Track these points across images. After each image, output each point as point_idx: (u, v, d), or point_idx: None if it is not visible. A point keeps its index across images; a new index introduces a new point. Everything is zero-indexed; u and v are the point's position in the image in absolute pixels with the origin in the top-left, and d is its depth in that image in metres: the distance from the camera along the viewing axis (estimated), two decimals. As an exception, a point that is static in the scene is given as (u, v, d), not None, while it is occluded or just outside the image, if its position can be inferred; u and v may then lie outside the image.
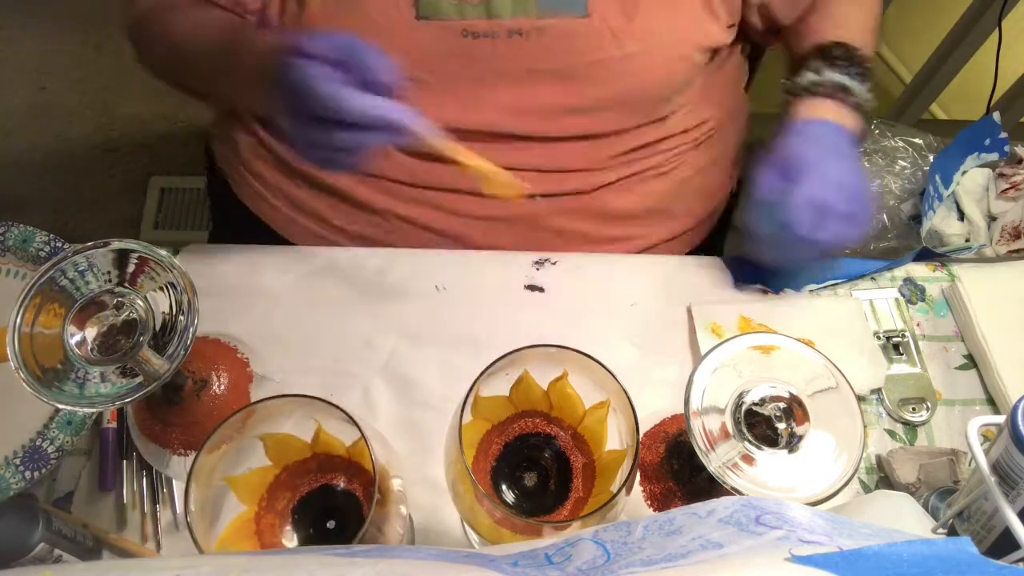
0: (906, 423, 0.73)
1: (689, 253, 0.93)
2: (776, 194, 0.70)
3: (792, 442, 0.57)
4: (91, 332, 0.51)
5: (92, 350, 0.51)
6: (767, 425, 0.57)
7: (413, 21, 0.71)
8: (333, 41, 0.60)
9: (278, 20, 0.74)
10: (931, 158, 1.32)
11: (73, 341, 0.50)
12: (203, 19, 0.76)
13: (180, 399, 0.60)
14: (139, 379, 0.51)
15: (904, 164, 1.34)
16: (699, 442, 0.56)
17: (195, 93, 0.84)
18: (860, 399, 0.71)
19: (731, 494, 0.54)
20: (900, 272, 0.82)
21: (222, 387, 0.62)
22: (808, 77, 0.79)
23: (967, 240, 1.22)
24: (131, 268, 0.52)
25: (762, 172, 0.72)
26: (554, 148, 0.79)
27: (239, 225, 0.92)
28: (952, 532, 0.55)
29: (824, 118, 0.77)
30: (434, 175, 0.80)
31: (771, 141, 0.76)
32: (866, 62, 0.81)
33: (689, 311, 0.77)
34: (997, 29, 1.36)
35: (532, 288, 0.79)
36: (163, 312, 0.52)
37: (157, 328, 0.51)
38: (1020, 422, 0.46)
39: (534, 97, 0.76)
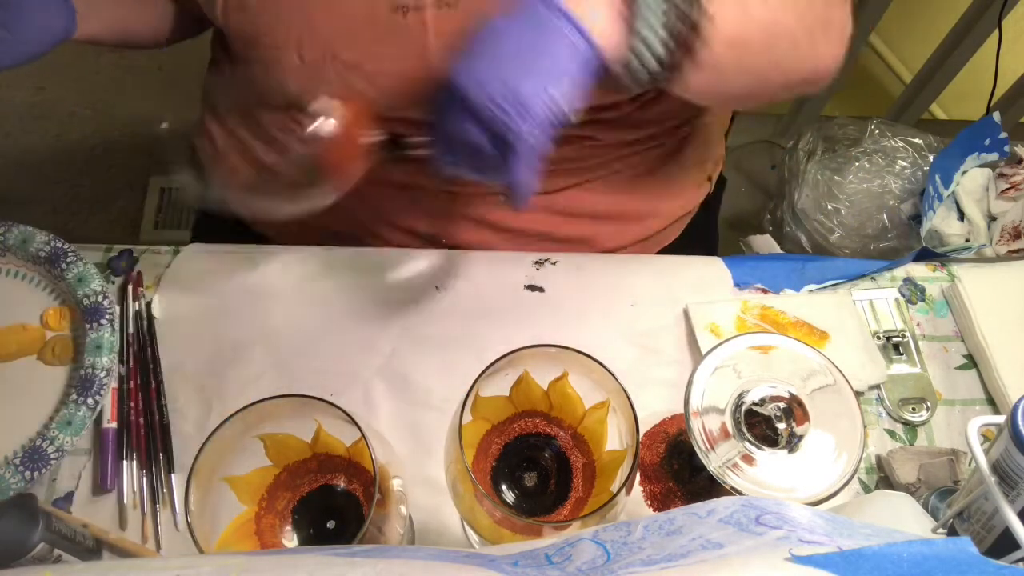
0: (906, 423, 0.73)
1: (660, 252, 0.92)
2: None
3: (792, 442, 0.57)
4: None
5: None
6: (767, 425, 0.57)
7: None
8: None
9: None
10: (931, 158, 1.32)
11: None
12: None
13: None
14: None
15: (904, 164, 1.34)
16: (699, 442, 0.56)
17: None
18: (859, 395, 0.71)
19: (731, 494, 0.54)
20: (900, 272, 0.82)
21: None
22: None
23: (967, 240, 1.22)
24: None
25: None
26: None
27: (222, 225, 0.92)
28: (952, 532, 0.55)
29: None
30: (392, 171, 0.77)
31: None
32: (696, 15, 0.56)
33: (687, 311, 0.77)
34: (997, 29, 1.36)
35: (532, 288, 0.79)
36: None
37: None
38: (1020, 422, 0.46)
39: None
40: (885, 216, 1.33)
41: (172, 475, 0.68)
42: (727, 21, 0.61)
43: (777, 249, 1.40)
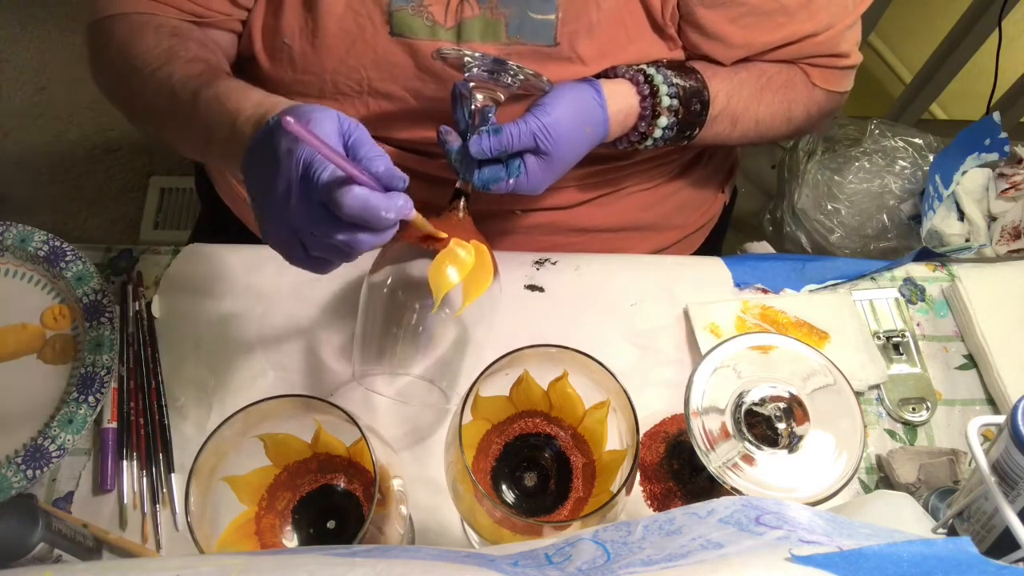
0: (906, 423, 0.73)
1: None
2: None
3: (792, 442, 0.57)
4: None
5: None
6: (767, 425, 0.58)
7: (387, 37, 0.70)
8: (338, 123, 0.53)
9: (259, 34, 0.74)
10: (931, 158, 1.32)
11: None
12: (175, 70, 0.65)
13: None
14: None
15: (904, 164, 1.34)
16: (699, 442, 0.56)
17: (147, 131, 0.75)
18: (859, 395, 0.71)
19: (731, 494, 0.54)
20: (900, 272, 0.82)
21: None
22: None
23: (967, 240, 1.22)
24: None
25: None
26: None
27: (223, 225, 0.92)
28: (952, 532, 0.55)
29: (599, 85, 0.69)
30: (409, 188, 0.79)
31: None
32: (698, 88, 0.72)
33: (687, 311, 0.77)
34: (997, 29, 1.36)
35: (532, 288, 0.79)
36: None
37: None
38: (1020, 422, 0.46)
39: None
40: (885, 216, 1.33)
41: (172, 475, 0.68)
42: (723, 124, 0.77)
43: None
